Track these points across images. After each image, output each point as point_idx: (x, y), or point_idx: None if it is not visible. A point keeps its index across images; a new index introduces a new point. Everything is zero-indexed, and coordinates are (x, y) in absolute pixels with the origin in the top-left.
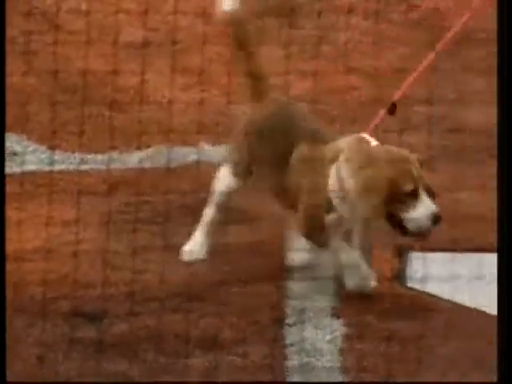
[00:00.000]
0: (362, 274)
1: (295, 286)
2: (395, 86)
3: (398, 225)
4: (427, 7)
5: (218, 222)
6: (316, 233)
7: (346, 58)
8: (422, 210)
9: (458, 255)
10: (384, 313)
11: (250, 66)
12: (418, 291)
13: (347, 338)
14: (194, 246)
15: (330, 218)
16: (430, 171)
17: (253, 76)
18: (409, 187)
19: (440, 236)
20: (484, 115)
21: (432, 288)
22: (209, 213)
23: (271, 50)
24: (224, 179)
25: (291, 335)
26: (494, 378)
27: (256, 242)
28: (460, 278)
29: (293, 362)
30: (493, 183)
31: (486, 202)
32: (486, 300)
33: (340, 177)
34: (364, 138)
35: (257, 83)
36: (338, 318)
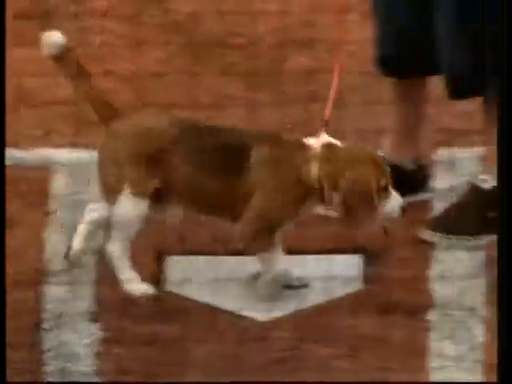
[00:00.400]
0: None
1: (52, 291)
2: (152, 89)
3: None
4: (184, 11)
5: None
6: (266, 236)
7: (102, 61)
8: (393, 202)
9: (218, 258)
10: (143, 316)
11: (90, 91)
12: (176, 295)
13: (105, 342)
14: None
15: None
16: None
17: (95, 99)
18: (384, 182)
19: (200, 239)
20: (238, 119)
21: (191, 291)
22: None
23: (28, 52)
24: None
25: (48, 340)
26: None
27: (12, 246)
28: (218, 281)
29: (50, 367)
30: None
31: None
32: (244, 302)
33: (320, 179)
34: (330, 140)
35: (101, 105)
36: (96, 322)
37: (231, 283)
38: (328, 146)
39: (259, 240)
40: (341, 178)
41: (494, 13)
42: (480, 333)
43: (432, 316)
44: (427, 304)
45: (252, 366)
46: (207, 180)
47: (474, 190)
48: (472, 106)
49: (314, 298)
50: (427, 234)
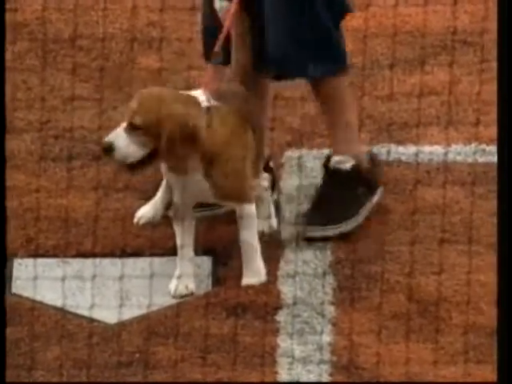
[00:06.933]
0: None
1: None
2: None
3: None
4: (30, 10)
5: None
6: None
7: None
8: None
9: (66, 260)
10: None
11: None
12: (23, 297)
13: None
14: None
15: None
16: (33, 174)
17: None
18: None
19: (48, 241)
20: (87, 120)
21: (38, 293)
22: None
23: None
24: None
25: None
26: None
27: None
28: (67, 283)
29: None
30: (91, 184)
31: (82, 205)
32: (93, 304)
33: None
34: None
35: None
36: None
37: (81, 285)
38: None
39: None
40: None
41: None
42: (327, 333)
43: (280, 317)
44: (276, 305)
45: (101, 367)
46: None
47: (335, 175)
48: (317, 109)
49: (163, 299)
50: (311, 231)
